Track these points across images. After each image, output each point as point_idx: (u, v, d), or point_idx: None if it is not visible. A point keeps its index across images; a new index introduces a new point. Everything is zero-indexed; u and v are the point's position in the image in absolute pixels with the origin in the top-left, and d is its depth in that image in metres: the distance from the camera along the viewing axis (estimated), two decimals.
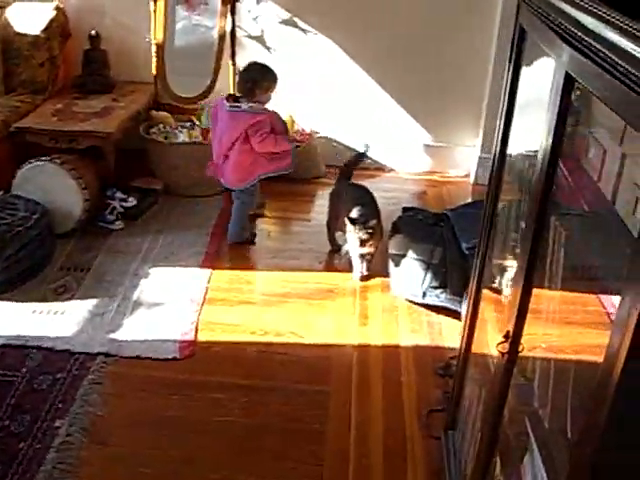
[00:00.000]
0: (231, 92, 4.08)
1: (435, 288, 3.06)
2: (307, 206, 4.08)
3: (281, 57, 4.12)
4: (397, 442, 2.37)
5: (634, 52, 0.86)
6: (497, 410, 1.55)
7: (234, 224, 3.58)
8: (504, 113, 1.78)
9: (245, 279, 3.27)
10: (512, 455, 1.58)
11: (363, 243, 3.20)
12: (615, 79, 0.92)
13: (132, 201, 3.66)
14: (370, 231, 3.18)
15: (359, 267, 3.29)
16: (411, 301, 3.11)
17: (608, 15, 0.99)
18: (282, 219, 3.88)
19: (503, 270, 1.91)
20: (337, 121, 4.39)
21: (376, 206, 3.36)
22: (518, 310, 1.42)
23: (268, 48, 4.21)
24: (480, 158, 4.28)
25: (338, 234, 3.44)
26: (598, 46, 1.00)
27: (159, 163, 3.93)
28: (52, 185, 3.38)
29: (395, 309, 3.10)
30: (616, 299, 1.14)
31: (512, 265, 1.72)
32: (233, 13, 4.07)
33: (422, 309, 3.08)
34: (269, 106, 3.47)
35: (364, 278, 3.29)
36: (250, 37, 4.24)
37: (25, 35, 3.90)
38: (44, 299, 2.99)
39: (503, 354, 1.46)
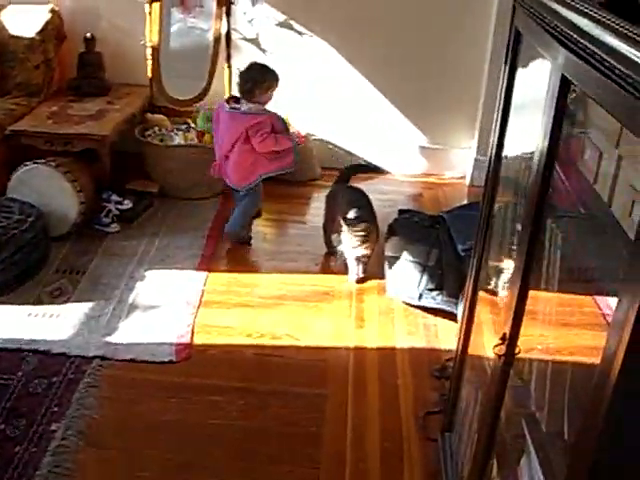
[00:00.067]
0: (227, 94, 4.09)
1: (431, 290, 3.06)
2: (303, 208, 4.08)
3: (276, 59, 4.12)
4: (394, 444, 2.37)
5: (630, 55, 0.87)
6: (494, 412, 1.55)
7: (235, 221, 3.59)
8: (500, 115, 1.78)
9: (241, 282, 3.26)
10: (509, 457, 1.58)
11: (358, 244, 3.20)
12: (611, 81, 0.92)
13: (128, 204, 3.65)
14: (364, 232, 3.17)
15: (355, 269, 3.29)
16: (407, 303, 3.11)
17: (604, 18, 0.99)
18: (278, 221, 3.88)
19: (499, 272, 1.91)
20: (332, 123, 4.39)
21: (372, 208, 3.36)
22: (514, 312, 1.42)
23: (263, 50, 4.21)
24: (476, 160, 4.28)
25: (334, 236, 3.44)
26: (594, 49, 1.00)
27: (155, 166, 3.92)
28: (47, 188, 3.38)
29: (391, 311, 3.10)
30: (612, 300, 1.14)
31: (508, 267, 1.72)
32: (228, 15, 4.07)
33: (418, 311, 3.08)
34: (269, 106, 3.48)
35: (360, 280, 3.29)
36: (245, 39, 4.24)
37: (20, 38, 3.89)
38: (40, 302, 2.98)
39: (500, 356, 1.46)
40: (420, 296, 3.06)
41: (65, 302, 3.00)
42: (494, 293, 1.94)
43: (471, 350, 2.06)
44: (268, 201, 3.83)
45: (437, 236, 3.31)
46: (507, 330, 1.44)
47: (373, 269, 3.32)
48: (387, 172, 4.45)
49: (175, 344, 2.77)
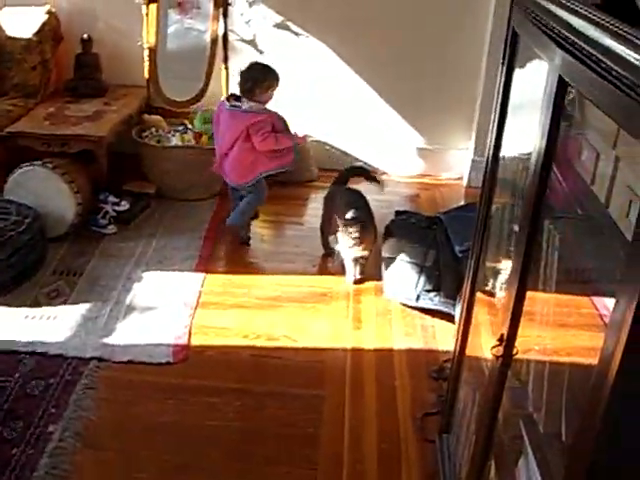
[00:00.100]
0: (224, 95, 4.09)
1: (429, 291, 3.06)
2: (300, 209, 4.08)
3: (273, 60, 4.09)
4: (391, 446, 2.37)
5: (627, 56, 0.87)
6: (491, 413, 1.55)
7: (236, 215, 3.63)
8: (497, 116, 1.78)
9: (238, 283, 3.26)
10: (507, 458, 1.58)
11: (352, 244, 3.20)
12: (608, 82, 0.92)
13: (125, 205, 3.65)
14: (359, 233, 3.16)
15: (352, 270, 3.29)
16: (405, 304, 3.11)
17: (600, 19, 0.99)
18: (275, 222, 3.88)
19: (497, 273, 1.91)
20: (330, 124, 4.40)
21: (370, 210, 3.36)
22: (512, 313, 1.42)
23: (260, 51, 4.21)
24: (473, 161, 4.29)
25: (331, 238, 3.44)
26: (591, 50, 1.01)
27: (152, 167, 3.92)
28: (44, 189, 3.37)
29: (389, 312, 3.10)
30: (609, 301, 1.14)
31: (506, 268, 1.72)
32: (225, 16, 4.07)
33: (416, 312, 3.08)
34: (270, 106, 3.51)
35: (357, 281, 3.29)
36: (242, 40, 4.24)
37: (17, 39, 3.89)
38: (37, 304, 2.98)
39: (497, 357, 1.46)
40: (417, 297, 3.06)
41: (62, 303, 2.99)
42: (492, 294, 1.94)
43: (469, 351, 2.06)
44: (265, 202, 3.82)
45: (434, 237, 3.32)
46: (505, 331, 1.44)
47: (370, 270, 3.32)
48: (384, 172, 4.46)
49: (172, 345, 2.77)
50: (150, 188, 3.89)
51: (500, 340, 1.45)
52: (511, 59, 1.70)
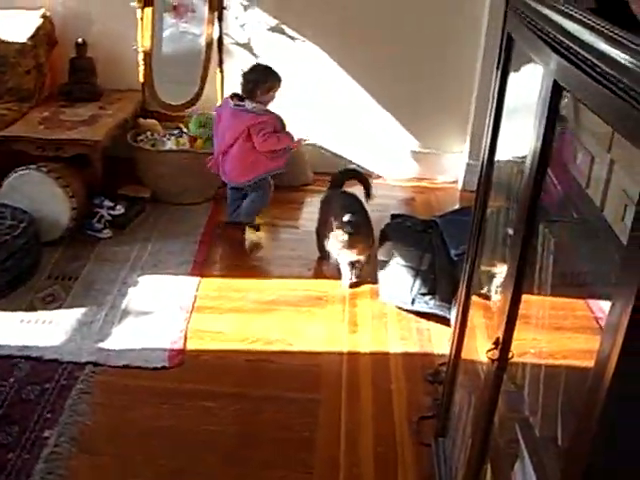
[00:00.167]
0: (219, 99, 4.09)
1: (424, 295, 3.06)
2: (295, 213, 4.09)
3: (268, 64, 4.12)
4: (387, 449, 2.37)
5: (622, 60, 0.87)
6: (487, 417, 1.55)
7: (241, 214, 3.71)
8: (492, 119, 1.79)
9: (234, 287, 3.26)
10: (503, 462, 1.58)
11: (342, 246, 3.19)
12: (603, 87, 0.92)
13: (120, 209, 3.64)
14: (348, 237, 3.15)
15: (348, 274, 3.29)
16: (400, 308, 3.11)
17: (595, 23, 1.00)
18: (270, 226, 3.88)
19: (492, 276, 1.92)
20: (325, 128, 4.40)
21: (366, 214, 3.37)
22: (507, 317, 1.42)
23: (256, 55, 4.21)
24: (468, 164, 4.29)
25: (327, 241, 3.43)
26: (586, 54, 1.01)
27: (147, 171, 3.92)
28: (39, 194, 3.37)
29: (384, 316, 3.10)
30: (604, 304, 1.14)
31: (501, 271, 1.73)
32: (220, 20, 4.08)
33: (411, 316, 3.08)
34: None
35: (353, 285, 3.29)
36: (237, 44, 4.24)
37: (11, 43, 3.88)
38: (32, 308, 2.97)
39: (493, 361, 1.46)
40: (413, 301, 3.07)
41: (57, 308, 2.99)
42: (487, 297, 1.95)
43: (464, 354, 2.06)
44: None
45: (430, 241, 3.32)
46: (500, 334, 1.44)
47: (365, 273, 3.32)
48: (379, 176, 4.47)
49: (168, 350, 2.77)
50: (145, 192, 3.89)
51: (496, 343, 1.46)
52: (506, 63, 1.70)
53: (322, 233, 3.46)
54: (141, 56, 3.93)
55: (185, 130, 4.05)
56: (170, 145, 3.93)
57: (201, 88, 4.20)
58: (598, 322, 1.25)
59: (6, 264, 3.01)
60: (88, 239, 3.53)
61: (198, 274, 3.31)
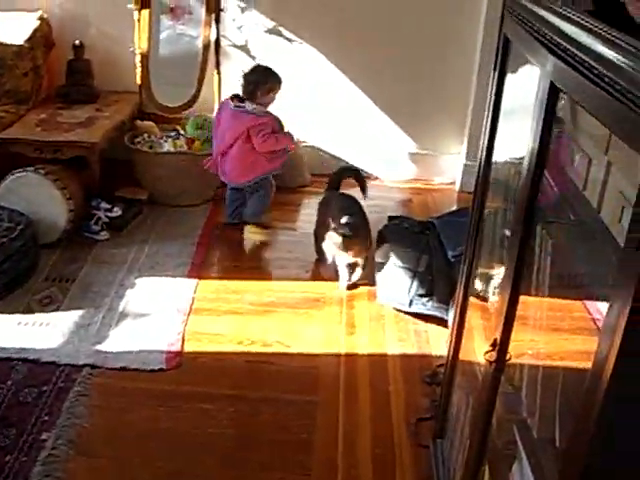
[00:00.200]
0: (216, 101, 4.09)
1: (422, 296, 3.06)
2: (293, 215, 4.08)
3: (269, 65, 4.12)
4: (385, 451, 2.37)
5: (619, 62, 0.87)
6: (485, 418, 1.55)
7: (251, 210, 3.74)
8: (489, 121, 1.79)
9: (231, 289, 3.26)
10: (501, 464, 1.58)
11: (336, 248, 3.18)
12: (600, 89, 0.92)
13: (117, 211, 3.64)
14: (343, 240, 3.15)
15: (345, 276, 3.29)
16: (398, 309, 3.11)
17: (592, 25, 1.00)
18: (268, 228, 3.87)
19: (489, 278, 1.92)
20: (322, 130, 4.40)
21: (365, 217, 3.37)
22: (505, 318, 1.43)
23: (253, 57, 4.21)
24: (465, 165, 4.30)
25: (323, 242, 3.43)
26: (582, 56, 1.01)
27: (144, 173, 3.92)
28: (36, 196, 3.36)
29: (382, 318, 3.10)
30: (601, 305, 1.15)
31: (498, 273, 1.73)
32: (217, 22, 4.08)
33: (409, 317, 3.08)
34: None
35: (350, 287, 3.29)
36: (235, 46, 4.24)
37: (9, 45, 3.87)
38: (29, 310, 2.97)
39: (490, 362, 1.47)
40: (410, 302, 3.07)
41: (55, 310, 2.98)
42: (485, 299, 1.95)
43: (462, 356, 2.06)
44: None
45: (427, 242, 3.32)
46: (498, 336, 1.45)
47: (364, 276, 3.32)
48: (376, 177, 4.47)
49: (165, 352, 2.76)
50: (142, 194, 3.89)
51: (493, 345, 1.46)
52: (503, 65, 1.71)
53: (320, 235, 3.46)
54: (138, 58, 3.93)
55: (182, 132, 4.05)
56: (167, 147, 3.93)
57: (198, 90, 4.20)
58: (595, 323, 1.25)
59: (3, 266, 3.01)
60: (85, 241, 3.52)
61: (196, 276, 3.31)
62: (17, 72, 3.90)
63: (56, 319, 2.92)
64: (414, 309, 3.07)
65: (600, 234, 1.14)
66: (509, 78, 1.71)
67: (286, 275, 3.40)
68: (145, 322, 2.95)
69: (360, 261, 3.27)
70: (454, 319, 2.07)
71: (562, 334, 1.57)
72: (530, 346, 1.60)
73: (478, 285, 1.98)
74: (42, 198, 3.37)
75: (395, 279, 3.15)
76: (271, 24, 4.18)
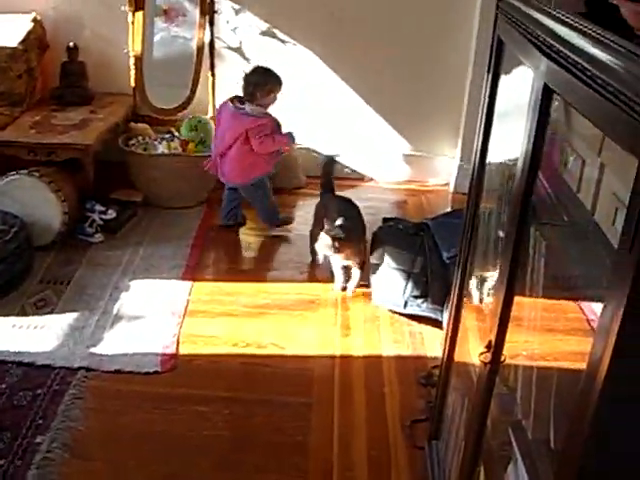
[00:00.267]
0: (211, 103, 4.09)
1: (416, 298, 3.07)
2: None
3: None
4: (381, 453, 2.37)
5: (612, 64, 0.88)
6: (480, 420, 1.55)
7: (265, 217, 3.78)
8: (483, 122, 1.79)
9: (226, 291, 3.25)
10: (496, 465, 1.58)
11: (332, 249, 3.17)
12: (593, 90, 0.93)
13: (112, 213, 3.63)
14: (334, 241, 3.13)
15: (340, 278, 3.29)
16: (393, 311, 3.11)
17: (585, 27, 1.00)
18: (263, 230, 3.87)
19: (484, 279, 1.92)
20: (317, 131, 4.40)
21: (361, 220, 3.37)
22: (500, 320, 1.43)
23: (247, 59, 4.21)
24: (459, 167, 4.30)
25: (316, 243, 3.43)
26: (576, 58, 1.01)
27: (138, 175, 3.91)
28: (31, 198, 3.36)
29: (377, 319, 3.10)
30: (596, 306, 1.15)
31: (493, 274, 1.73)
32: (212, 24, 4.08)
33: (404, 319, 3.08)
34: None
35: (345, 289, 3.29)
36: (229, 48, 4.24)
37: (2, 47, 3.85)
38: (24, 313, 2.96)
39: (485, 364, 1.47)
40: (405, 304, 3.07)
41: (49, 313, 2.98)
42: (479, 300, 1.95)
43: (457, 357, 2.06)
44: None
45: (422, 243, 3.32)
46: (492, 338, 1.45)
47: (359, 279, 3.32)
48: (371, 179, 4.47)
49: (160, 354, 2.76)
50: (137, 196, 3.88)
51: (488, 346, 1.46)
52: (496, 67, 1.71)
53: (314, 235, 3.46)
54: (132, 60, 3.93)
55: (177, 134, 4.04)
56: (162, 149, 3.92)
57: (192, 92, 4.20)
58: (590, 324, 1.25)
59: None
60: (80, 243, 3.52)
61: (190, 278, 3.30)
62: (11, 74, 3.89)
63: (51, 322, 2.91)
64: (409, 310, 3.07)
65: (594, 235, 1.15)
66: (503, 80, 1.72)
67: (281, 277, 3.40)
68: (140, 324, 2.94)
69: (354, 265, 3.25)
70: (449, 320, 2.07)
71: (556, 335, 1.58)
72: (525, 347, 1.60)
73: (473, 286, 1.98)
74: (36, 200, 3.36)
75: (390, 281, 3.15)
76: (265, 26, 4.18)
